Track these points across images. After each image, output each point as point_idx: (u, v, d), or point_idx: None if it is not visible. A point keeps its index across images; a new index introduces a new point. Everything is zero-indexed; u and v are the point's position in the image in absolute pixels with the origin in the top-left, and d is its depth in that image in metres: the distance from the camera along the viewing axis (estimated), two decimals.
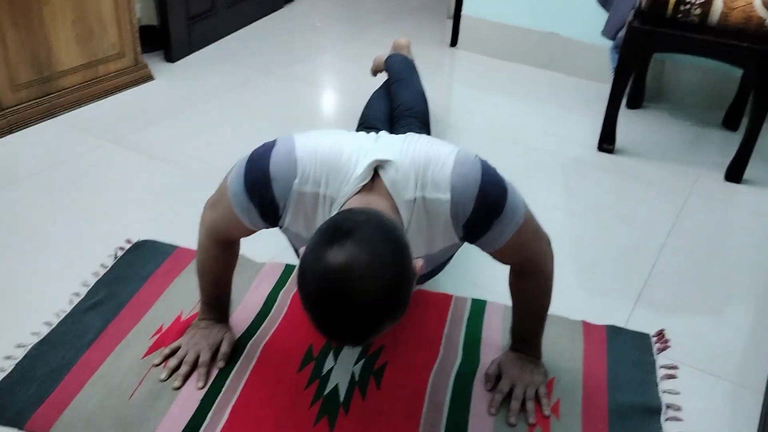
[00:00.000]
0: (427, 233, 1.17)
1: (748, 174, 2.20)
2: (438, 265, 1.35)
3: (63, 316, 1.49)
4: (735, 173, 2.20)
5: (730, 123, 2.55)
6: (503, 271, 1.34)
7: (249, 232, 1.27)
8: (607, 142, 2.34)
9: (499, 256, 1.25)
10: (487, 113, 2.59)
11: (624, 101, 2.43)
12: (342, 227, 0.95)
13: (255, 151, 1.17)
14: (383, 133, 1.25)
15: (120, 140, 2.25)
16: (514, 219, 1.17)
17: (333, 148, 1.14)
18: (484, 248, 1.22)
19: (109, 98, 2.51)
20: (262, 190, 1.14)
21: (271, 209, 1.16)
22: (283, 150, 1.14)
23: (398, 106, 2.03)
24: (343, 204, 1.10)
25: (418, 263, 1.01)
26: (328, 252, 0.92)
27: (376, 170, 1.12)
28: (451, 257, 1.35)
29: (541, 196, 2.04)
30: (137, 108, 2.48)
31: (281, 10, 3.57)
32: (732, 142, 2.31)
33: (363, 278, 0.91)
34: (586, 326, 1.54)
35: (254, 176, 1.15)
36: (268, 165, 1.13)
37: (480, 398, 1.34)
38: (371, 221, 0.97)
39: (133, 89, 2.60)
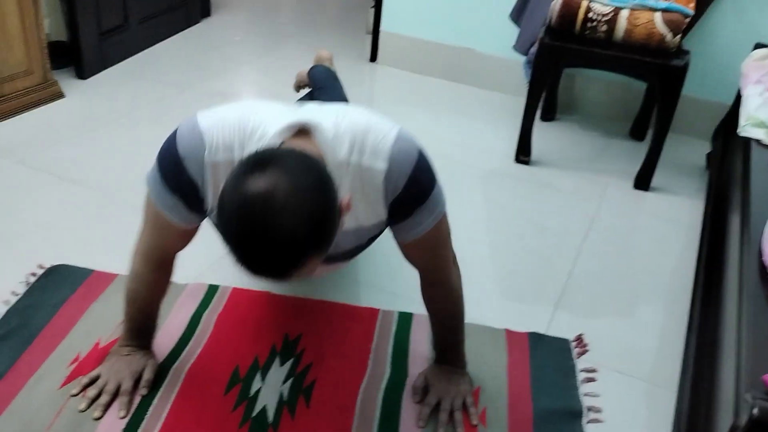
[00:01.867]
0: (359, 203, 1.14)
1: (655, 182, 2.32)
2: (365, 240, 1.33)
3: None
4: (643, 181, 2.31)
5: (636, 133, 2.68)
6: None
7: (185, 238, 1.24)
8: (523, 153, 2.42)
9: (411, 250, 1.25)
10: (408, 127, 2.60)
11: (538, 114, 2.52)
12: (263, 157, 0.92)
13: (164, 142, 1.15)
14: (310, 103, 1.22)
15: (28, 161, 2.15)
16: (435, 211, 1.18)
17: (242, 113, 1.12)
18: (399, 235, 1.22)
19: (17, 117, 2.40)
20: (177, 174, 1.11)
21: (193, 193, 1.13)
22: (187, 128, 1.12)
23: None
24: None
25: (346, 197, 0.99)
26: (248, 180, 0.89)
27: (306, 132, 1.07)
28: (377, 236, 1.33)
29: (461, 207, 2.08)
30: (46, 127, 2.38)
31: (197, 25, 3.51)
32: (639, 151, 2.43)
33: (285, 206, 0.88)
34: (509, 334, 1.58)
35: (167, 164, 1.12)
36: (176, 147, 1.11)
37: (409, 411, 1.35)
38: (293, 152, 0.94)
39: (42, 107, 2.49)
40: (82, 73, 2.74)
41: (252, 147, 1.07)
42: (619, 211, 2.18)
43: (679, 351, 1.56)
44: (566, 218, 2.11)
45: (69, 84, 2.67)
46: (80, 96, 2.63)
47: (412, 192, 1.14)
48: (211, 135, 1.10)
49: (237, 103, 1.17)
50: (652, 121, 2.54)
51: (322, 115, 1.12)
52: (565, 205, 2.19)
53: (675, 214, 2.18)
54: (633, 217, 2.17)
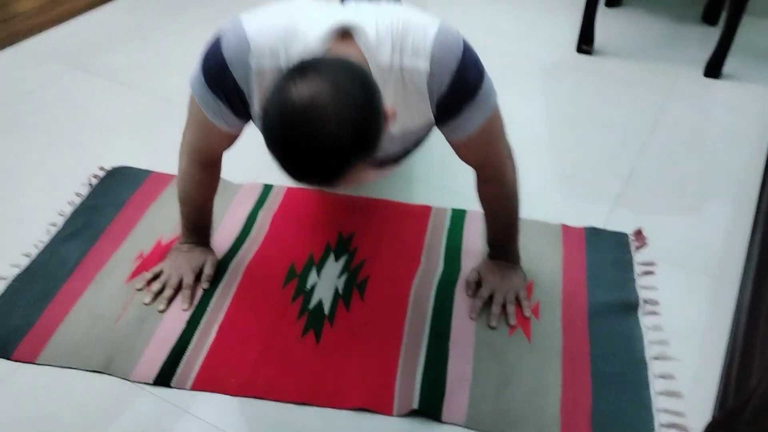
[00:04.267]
0: (404, 106, 1.12)
1: (727, 69, 2.17)
2: (412, 144, 1.31)
3: (41, 246, 1.48)
4: (714, 68, 2.17)
5: (709, 17, 2.50)
6: None
7: (229, 140, 1.24)
8: (585, 43, 2.29)
9: (464, 150, 1.22)
10: (462, 19, 2.52)
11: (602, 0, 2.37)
12: (306, 65, 0.90)
13: (206, 46, 1.13)
14: (351, 1, 1.17)
15: (85, 66, 2.18)
16: (485, 106, 1.14)
17: (288, 18, 1.09)
18: (450, 135, 1.19)
19: (69, 22, 2.41)
20: (222, 79, 1.10)
21: (238, 97, 1.12)
22: (233, 33, 1.09)
23: None
24: None
25: (391, 107, 0.97)
26: (291, 88, 0.88)
27: (348, 35, 1.05)
28: (424, 138, 1.30)
29: (519, 102, 2.02)
30: (100, 31, 2.38)
31: None
32: (711, 37, 2.28)
33: (329, 113, 0.87)
34: (565, 229, 1.56)
35: (211, 68, 1.11)
36: (221, 53, 1.09)
37: (461, 305, 1.36)
38: (336, 60, 0.92)
39: (94, 11, 2.49)
40: None
41: (297, 52, 1.05)
42: (687, 102, 2.07)
43: (744, 247, 1.50)
44: (631, 111, 2.02)
45: None
46: None
47: (459, 89, 1.09)
48: (257, 40, 1.07)
49: (282, 4, 1.13)
50: (726, 3, 2.36)
51: (362, 16, 1.08)
52: (630, 98, 2.08)
53: (747, 104, 2.05)
54: (702, 108, 2.05)
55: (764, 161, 1.75)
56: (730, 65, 2.17)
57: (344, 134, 0.88)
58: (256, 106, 1.13)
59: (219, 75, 1.10)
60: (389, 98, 1.08)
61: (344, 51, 1.03)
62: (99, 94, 2.05)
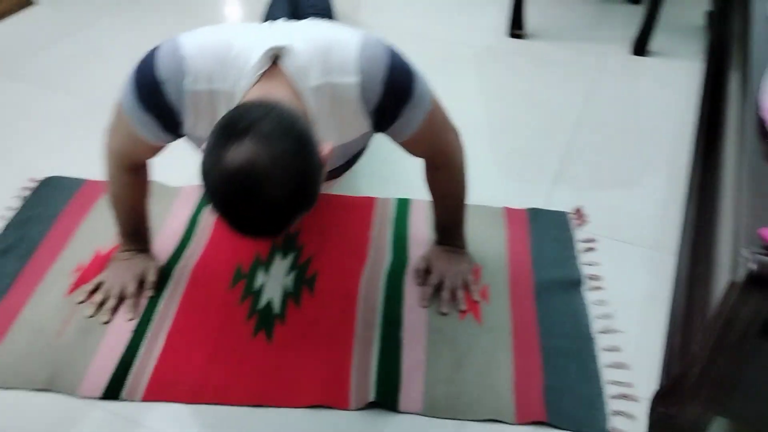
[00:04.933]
0: (338, 122, 1.13)
1: (654, 46, 2.24)
2: (352, 156, 1.32)
3: None
4: (640, 46, 2.23)
5: None
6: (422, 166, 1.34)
7: (155, 150, 1.21)
8: (516, 27, 2.33)
9: (410, 146, 1.24)
10: (395, 7, 2.52)
11: None
12: (238, 124, 0.90)
13: (139, 60, 1.10)
14: (280, 21, 1.18)
15: (8, 72, 2.09)
16: (422, 105, 1.15)
17: (222, 41, 1.08)
18: (394, 138, 1.20)
19: None
20: (154, 97, 1.08)
21: (169, 116, 1.10)
22: (168, 51, 1.07)
23: (301, 2, 1.94)
24: (243, 97, 1.05)
25: (327, 147, 0.98)
26: (227, 152, 0.88)
27: (276, 59, 1.06)
28: (364, 149, 1.32)
29: (455, 87, 2.04)
30: (21, 36, 2.29)
31: None
32: (636, 15, 2.34)
33: (267, 176, 0.88)
34: (508, 211, 1.58)
35: (143, 85, 1.08)
36: (154, 70, 1.07)
37: (412, 294, 1.37)
38: (269, 114, 0.92)
39: (15, 16, 2.39)
40: None
41: (232, 76, 1.05)
42: (616, 80, 2.12)
43: (680, 218, 1.56)
44: (563, 91, 2.06)
45: None
46: (51, 1, 2.51)
47: (393, 95, 1.10)
48: (193, 62, 1.06)
49: (217, 27, 1.12)
50: None
51: (291, 37, 1.08)
52: (562, 78, 2.13)
53: (674, 79, 2.12)
54: (631, 85, 2.11)
55: (693, 133, 1.81)
56: (656, 42, 2.24)
57: (284, 195, 0.89)
58: (188, 125, 1.11)
59: (152, 92, 1.08)
60: (322, 118, 1.09)
61: (275, 86, 1.03)
62: (24, 100, 1.97)
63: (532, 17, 2.36)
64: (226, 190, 0.89)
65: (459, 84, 2.08)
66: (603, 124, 1.92)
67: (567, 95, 2.04)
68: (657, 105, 2.01)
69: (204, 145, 0.93)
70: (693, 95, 2.03)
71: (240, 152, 0.88)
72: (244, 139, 0.88)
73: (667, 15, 2.31)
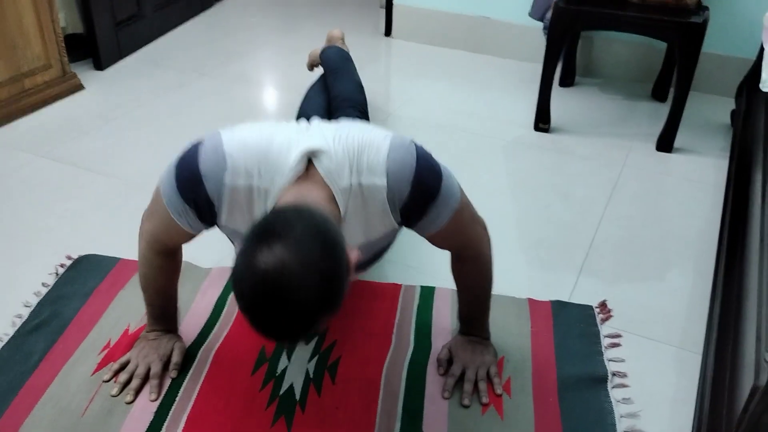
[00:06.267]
0: (365, 219, 1.17)
1: (678, 143, 2.27)
2: (378, 251, 1.37)
3: (6, 339, 1.45)
4: (665, 143, 2.27)
5: (658, 94, 2.63)
6: (448, 255, 1.36)
7: (189, 237, 1.26)
8: (542, 121, 2.39)
9: (438, 240, 1.27)
10: (425, 100, 2.61)
11: (556, 80, 2.47)
12: (272, 229, 0.94)
13: (183, 152, 1.16)
14: (315, 121, 1.24)
15: (53, 154, 2.19)
16: (449, 203, 1.19)
17: (262, 140, 1.14)
18: (421, 233, 1.24)
19: (39, 111, 2.44)
20: (195, 189, 1.13)
21: (207, 208, 1.15)
22: (211, 146, 1.13)
23: (335, 97, 2.03)
24: (279, 196, 1.10)
25: (354, 253, 1.01)
26: (258, 256, 0.92)
27: (311, 159, 1.12)
28: (390, 244, 1.36)
29: (482, 179, 2.08)
30: (68, 119, 2.41)
31: (211, 9, 3.51)
32: (661, 112, 2.39)
33: (295, 282, 0.91)
34: (532, 303, 1.58)
35: (185, 177, 1.13)
36: (197, 163, 1.12)
37: (433, 383, 1.36)
38: (302, 220, 0.96)
39: (63, 100, 2.53)
40: (100, 64, 2.77)
41: (269, 178, 1.11)
42: (642, 175, 2.15)
43: (705, 314, 1.54)
44: (589, 185, 2.09)
45: (88, 76, 2.70)
46: (99, 87, 2.66)
47: (420, 195, 1.15)
48: (233, 159, 1.11)
49: (257, 125, 1.19)
50: (674, 80, 2.49)
51: (324, 140, 1.14)
52: (587, 172, 2.16)
53: (699, 175, 2.14)
54: (656, 180, 2.14)
55: (718, 229, 1.82)
56: (681, 139, 2.28)
57: (312, 300, 0.92)
58: (223, 217, 1.16)
59: (192, 185, 1.13)
60: (351, 216, 1.14)
61: (309, 187, 1.09)
62: (65, 181, 2.05)
63: (557, 111, 2.43)
64: (255, 293, 0.92)
65: (486, 175, 2.12)
66: (628, 219, 1.93)
67: (593, 189, 2.07)
68: (682, 201, 2.03)
69: (237, 236, 0.97)
70: (718, 192, 2.04)
71: (271, 257, 0.91)
72: (276, 245, 0.91)
73: (692, 113, 2.35)
